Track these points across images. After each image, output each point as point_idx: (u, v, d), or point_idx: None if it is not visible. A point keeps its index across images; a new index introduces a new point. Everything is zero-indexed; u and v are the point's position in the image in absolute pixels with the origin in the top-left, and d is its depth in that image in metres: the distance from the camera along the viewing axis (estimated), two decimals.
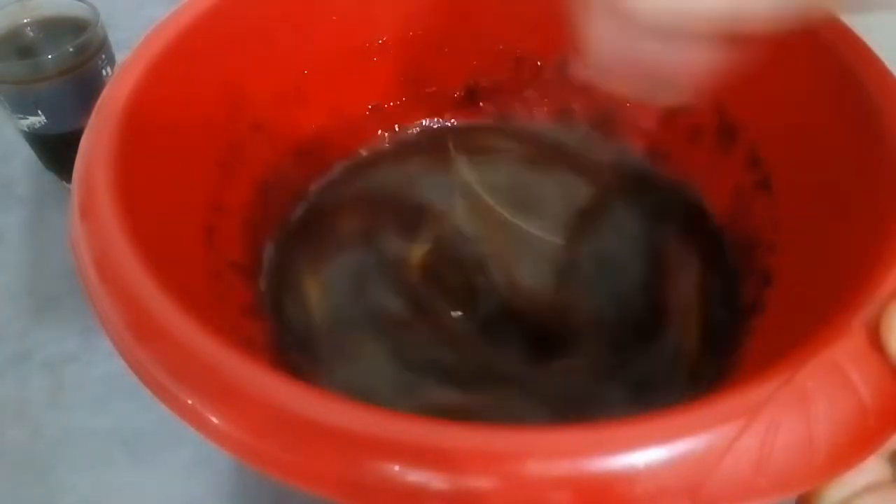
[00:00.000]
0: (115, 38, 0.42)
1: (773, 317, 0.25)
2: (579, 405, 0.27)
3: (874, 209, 0.22)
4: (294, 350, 0.28)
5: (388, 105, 0.36)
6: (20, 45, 0.41)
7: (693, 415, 0.16)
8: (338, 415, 0.16)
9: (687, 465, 0.15)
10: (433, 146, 0.36)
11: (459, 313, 0.30)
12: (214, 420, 0.16)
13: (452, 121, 0.37)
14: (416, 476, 0.15)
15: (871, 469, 0.18)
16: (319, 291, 0.30)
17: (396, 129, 0.36)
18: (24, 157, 0.45)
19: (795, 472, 0.16)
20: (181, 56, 0.27)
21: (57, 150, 0.42)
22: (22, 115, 0.40)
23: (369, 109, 0.36)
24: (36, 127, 0.40)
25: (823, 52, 0.26)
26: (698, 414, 0.16)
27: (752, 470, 0.15)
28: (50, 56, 0.38)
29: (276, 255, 0.31)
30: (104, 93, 0.24)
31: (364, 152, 0.36)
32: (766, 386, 0.16)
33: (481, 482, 0.15)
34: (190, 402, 0.16)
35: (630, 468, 0.15)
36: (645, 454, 0.15)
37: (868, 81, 0.24)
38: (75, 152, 0.23)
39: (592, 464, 0.15)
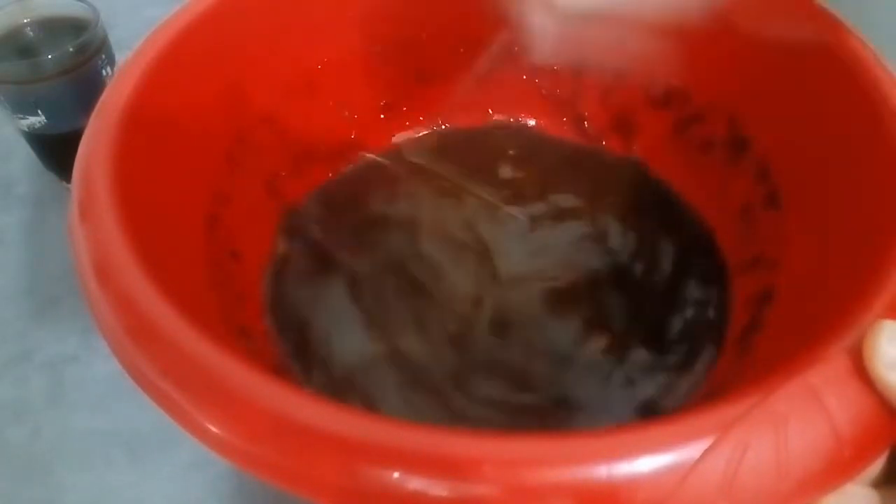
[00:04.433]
0: (115, 38, 0.42)
1: (771, 336, 0.25)
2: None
3: (873, 230, 0.21)
4: (289, 341, 0.28)
5: (401, 103, 0.36)
6: (20, 45, 0.41)
7: (657, 432, 0.16)
8: (337, 421, 0.16)
9: (648, 482, 0.15)
10: (443, 147, 0.36)
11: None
12: (211, 426, 0.16)
13: (466, 122, 0.37)
14: (416, 483, 0.15)
15: (859, 496, 0.17)
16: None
17: (407, 126, 0.36)
18: (24, 157, 0.45)
19: (761, 496, 0.15)
20: (186, 52, 0.27)
21: (57, 150, 0.42)
22: (22, 115, 0.40)
23: (381, 107, 0.36)
24: (36, 127, 0.40)
25: (835, 66, 0.26)
26: (662, 431, 0.16)
27: (715, 491, 0.15)
28: (50, 56, 0.38)
29: (284, 248, 0.31)
30: (105, 93, 0.24)
31: (373, 150, 0.36)
32: (736, 407, 0.16)
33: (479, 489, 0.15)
34: (187, 407, 0.16)
35: (590, 481, 0.15)
36: (606, 468, 0.15)
37: (880, 97, 0.24)
38: (75, 152, 0.23)
39: (558, 474, 0.15)
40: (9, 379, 0.36)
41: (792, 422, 0.16)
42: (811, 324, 0.20)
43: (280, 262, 0.31)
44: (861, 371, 0.17)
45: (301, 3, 0.31)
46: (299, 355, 0.28)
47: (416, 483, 0.15)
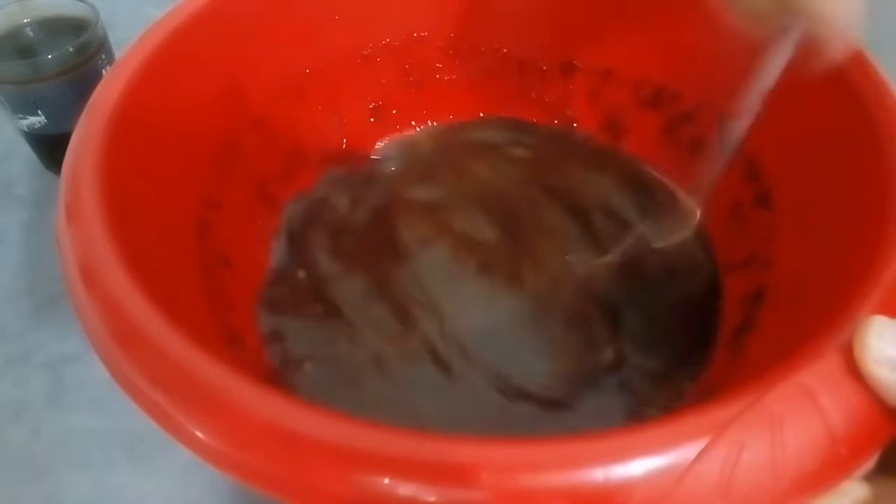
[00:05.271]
0: (115, 38, 0.42)
1: (764, 335, 0.25)
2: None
3: (864, 228, 0.21)
4: (282, 347, 0.28)
5: (390, 107, 0.36)
6: (20, 45, 0.41)
7: (652, 433, 0.16)
8: (330, 429, 0.16)
9: (644, 484, 0.15)
10: (435, 149, 0.36)
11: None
12: (200, 434, 0.16)
13: (455, 123, 0.37)
14: (412, 490, 0.15)
15: (848, 491, 0.17)
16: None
17: (397, 130, 0.36)
18: (24, 157, 0.45)
19: (757, 497, 0.15)
20: (176, 55, 0.27)
21: (57, 150, 0.42)
22: (22, 115, 0.40)
23: (370, 111, 0.36)
24: (36, 127, 0.40)
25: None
26: (658, 433, 0.16)
27: (711, 492, 0.15)
28: (50, 56, 0.38)
29: (280, 254, 0.31)
30: (94, 93, 0.24)
31: (365, 152, 0.36)
32: (730, 407, 0.16)
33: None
34: (175, 414, 0.16)
35: (586, 484, 0.15)
36: (602, 471, 0.15)
37: (869, 96, 0.24)
38: None
39: (554, 478, 0.15)
40: (9, 379, 0.36)
41: (787, 421, 0.16)
42: (804, 323, 0.20)
43: (272, 269, 0.31)
44: (854, 369, 0.17)
45: (289, 6, 0.31)
46: (290, 363, 0.28)
47: (411, 489, 0.15)
